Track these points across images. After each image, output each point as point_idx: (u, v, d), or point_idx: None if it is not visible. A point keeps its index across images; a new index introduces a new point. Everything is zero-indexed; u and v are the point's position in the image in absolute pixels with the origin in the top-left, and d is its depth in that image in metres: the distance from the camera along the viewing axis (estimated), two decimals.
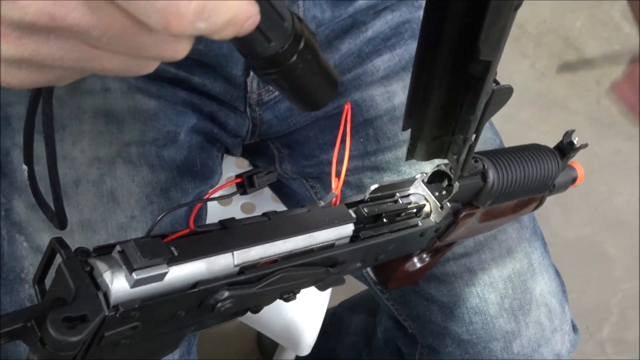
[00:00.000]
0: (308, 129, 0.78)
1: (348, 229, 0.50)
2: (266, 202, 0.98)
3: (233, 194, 0.43)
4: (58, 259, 0.38)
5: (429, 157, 0.55)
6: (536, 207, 0.72)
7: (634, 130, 2.19)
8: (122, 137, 0.66)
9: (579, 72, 2.37)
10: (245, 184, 0.43)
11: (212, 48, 0.68)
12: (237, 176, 0.42)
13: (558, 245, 1.86)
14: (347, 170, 0.75)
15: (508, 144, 0.74)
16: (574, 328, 0.80)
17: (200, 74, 0.71)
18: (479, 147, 0.73)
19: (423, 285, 0.73)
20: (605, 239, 1.91)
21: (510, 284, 0.72)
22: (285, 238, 0.46)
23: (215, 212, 0.86)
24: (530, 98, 2.22)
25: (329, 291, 0.89)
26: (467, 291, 0.72)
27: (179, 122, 0.70)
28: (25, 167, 0.42)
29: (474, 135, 0.50)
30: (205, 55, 0.68)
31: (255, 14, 0.30)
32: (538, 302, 0.73)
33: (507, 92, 0.48)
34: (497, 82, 0.48)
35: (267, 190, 0.99)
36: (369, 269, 0.68)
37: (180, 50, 0.30)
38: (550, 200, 1.96)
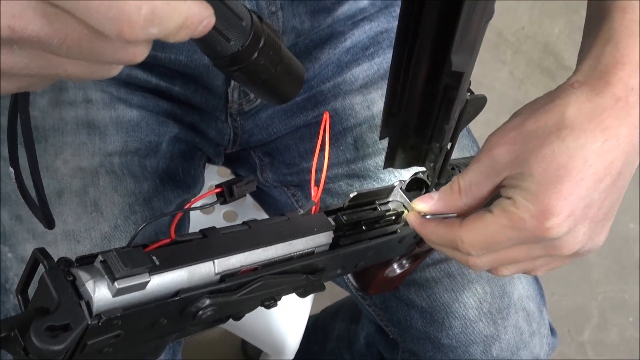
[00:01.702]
0: (288, 137, 0.78)
1: (327, 236, 0.51)
2: (248, 210, 0.98)
3: (213, 203, 0.44)
4: (41, 270, 0.38)
5: (406, 165, 0.56)
6: None
7: None
8: (104, 147, 0.66)
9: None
10: (225, 194, 0.43)
11: (193, 59, 0.68)
12: (217, 186, 0.43)
13: None
14: (327, 178, 0.76)
15: None
16: (552, 331, 0.81)
17: (182, 84, 0.71)
18: (456, 154, 0.74)
19: (403, 290, 0.74)
20: None
21: (488, 289, 0.73)
22: (265, 246, 0.46)
23: (197, 221, 0.87)
24: (509, 104, 2.23)
25: (310, 297, 0.90)
26: (446, 296, 0.72)
27: (161, 132, 0.71)
28: (11, 169, 0.42)
29: (449, 144, 0.51)
30: (186, 66, 0.69)
31: (209, 15, 0.31)
32: (516, 306, 0.74)
33: (481, 101, 0.49)
34: (471, 92, 0.49)
35: (249, 198, 0.99)
36: (349, 276, 0.68)
37: (139, 53, 0.32)
38: None
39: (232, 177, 0.92)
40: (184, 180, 0.73)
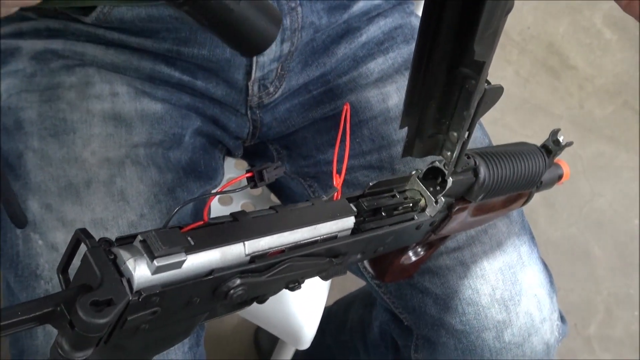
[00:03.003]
0: (306, 130, 0.80)
1: (349, 221, 0.52)
2: (265, 202, 1.00)
3: (244, 187, 0.46)
4: (82, 250, 0.40)
5: (424, 154, 0.58)
6: (524, 203, 0.74)
7: (615, 133, 2.23)
8: (130, 139, 0.68)
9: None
10: (255, 178, 0.45)
11: (215, 53, 0.70)
12: (248, 171, 0.44)
13: (545, 245, 1.89)
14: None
15: None
16: (562, 319, 0.82)
17: (204, 78, 0.73)
18: (470, 146, 0.75)
19: (418, 278, 0.76)
20: (589, 239, 1.94)
21: (500, 276, 0.74)
22: (292, 229, 0.48)
23: (217, 212, 0.88)
24: (514, 103, 2.25)
25: (327, 287, 0.91)
26: (460, 283, 0.74)
27: (184, 125, 0.72)
28: None
29: (466, 133, 0.53)
30: (208, 60, 0.71)
31: None
32: (527, 293, 0.75)
33: (498, 91, 0.50)
34: (488, 82, 0.50)
35: (266, 191, 1.01)
36: (366, 264, 0.70)
37: None
38: (537, 201, 1.99)
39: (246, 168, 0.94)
40: (205, 172, 0.74)
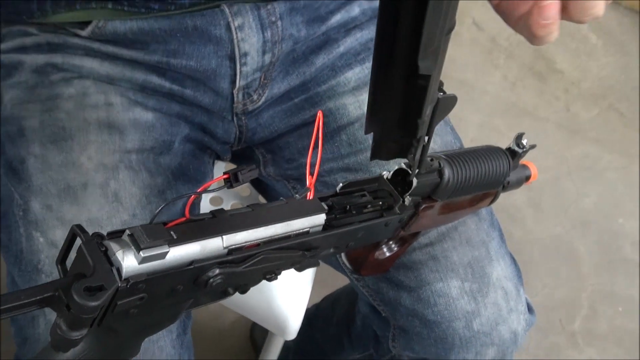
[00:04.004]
0: (288, 135, 0.85)
1: (320, 218, 0.57)
2: (253, 202, 1.05)
3: (221, 187, 0.51)
4: (77, 243, 0.45)
5: (391, 157, 0.62)
6: (491, 202, 0.79)
7: (600, 136, 2.28)
8: (123, 145, 0.73)
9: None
10: (231, 179, 0.50)
11: (202, 64, 0.75)
12: (225, 173, 0.49)
13: (531, 244, 1.94)
14: (324, 171, 0.82)
15: None
16: (530, 309, 0.87)
17: (192, 87, 0.78)
18: (441, 149, 0.80)
19: (393, 272, 0.80)
20: (574, 238, 1.98)
21: (469, 270, 0.79)
22: (266, 225, 0.53)
23: (207, 210, 0.93)
24: (502, 106, 2.30)
25: (310, 281, 0.96)
26: (431, 277, 0.79)
27: (174, 132, 0.77)
28: None
29: (426, 137, 0.58)
30: (195, 70, 0.76)
31: None
32: (495, 285, 0.80)
33: (452, 100, 0.55)
34: (443, 92, 0.55)
35: (253, 191, 1.06)
36: (344, 259, 0.74)
37: None
38: (523, 202, 2.03)
39: None
40: (194, 175, 0.79)
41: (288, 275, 0.89)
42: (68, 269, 0.46)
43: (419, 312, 0.80)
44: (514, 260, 0.85)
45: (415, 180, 0.63)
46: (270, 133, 0.85)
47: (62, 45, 0.76)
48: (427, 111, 0.52)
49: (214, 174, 0.86)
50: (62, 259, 0.46)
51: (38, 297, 0.42)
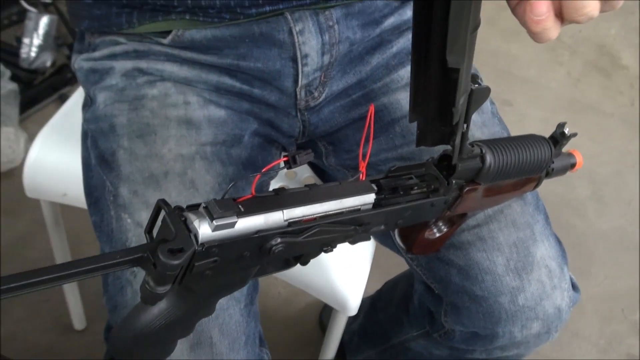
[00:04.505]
0: (347, 128, 0.92)
1: (370, 197, 0.63)
2: None
3: (281, 168, 0.58)
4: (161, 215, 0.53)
5: (435, 143, 0.68)
6: (535, 187, 0.83)
7: None
8: (199, 139, 0.81)
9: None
10: (290, 161, 0.57)
11: (268, 65, 0.82)
12: (284, 155, 0.57)
13: (594, 236, 1.95)
14: (380, 160, 0.89)
15: None
16: (575, 287, 0.91)
17: (260, 87, 0.86)
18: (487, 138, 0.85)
19: (444, 252, 0.86)
20: (637, 230, 1.98)
21: (514, 249, 0.84)
22: (322, 202, 0.60)
23: None
24: (565, 102, 2.31)
25: (369, 260, 1.02)
26: (479, 255, 0.84)
27: (243, 127, 0.85)
28: None
29: (464, 125, 0.64)
30: (262, 71, 0.83)
31: None
32: (539, 264, 0.85)
33: (485, 91, 0.61)
34: (479, 84, 0.61)
35: (318, 182, 1.14)
36: (397, 239, 0.81)
37: None
38: (586, 195, 2.04)
39: (304, 165, 1.07)
40: (262, 165, 0.87)
41: (348, 254, 0.97)
42: (154, 237, 0.54)
43: (467, 288, 0.85)
44: (558, 242, 0.89)
45: (459, 165, 0.68)
46: (330, 127, 0.92)
47: (147, 52, 0.85)
48: (461, 101, 0.58)
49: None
50: (149, 229, 0.54)
51: (131, 257, 0.50)
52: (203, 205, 0.53)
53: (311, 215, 0.59)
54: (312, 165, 1.05)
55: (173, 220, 0.51)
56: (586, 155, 2.20)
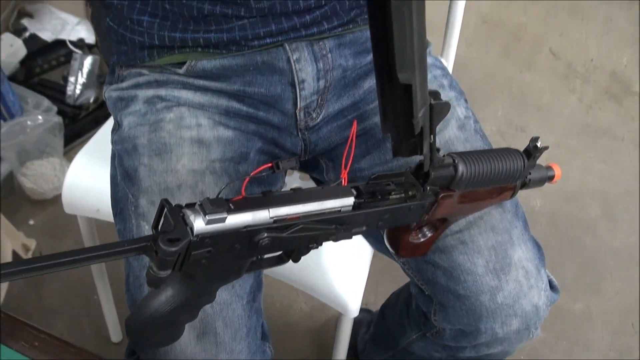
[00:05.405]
0: (343, 146, 0.99)
1: (350, 200, 0.71)
2: None
3: (266, 172, 0.66)
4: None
5: (409, 154, 0.75)
6: (512, 196, 0.89)
7: None
8: (209, 156, 0.90)
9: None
10: (274, 167, 0.65)
11: (270, 90, 0.91)
12: (268, 162, 0.65)
13: (604, 253, 1.98)
14: (372, 173, 0.95)
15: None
16: (553, 288, 0.97)
17: (264, 110, 0.94)
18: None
19: (430, 255, 0.93)
20: None
21: (493, 252, 0.90)
22: (305, 203, 0.67)
23: None
24: (577, 127, 2.35)
25: (367, 264, 1.09)
26: (461, 258, 0.91)
27: (249, 146, 0.94)
28: None
29: (430, 136, 0.71)
30: (266, 96, 0.92)
31: None
32: (516, 265, 0.91)
33: (445, 105, 0.69)
34: (439, 100, 0.69)
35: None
36: (386, 242, 0.88)
37: None
38: (597, 214, 2.08)
39: (310, 180, 1.15)
40: (267, 181, 0.96)
41: (348, 260, 1.04)
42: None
43: (452, 288, 0.92)
44: (537, 246, 0.96)
45: (432, 173, 0.75)
46: (329, 144, 1.00)
47: (166, 81, 0.94)
48: (420, 113, 0.66)
49: (284, 181, 1.02)
50: (155, 224, 0.63)
51: (137, 245, 0.58)
52: (198, 203, 0.61)
53: (295, 214, 0.67)
54: (315, 180, 1.13)
55: (173, 216, 0.60)
56: (597, 177, 2.26)
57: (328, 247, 1.03)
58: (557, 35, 2.72)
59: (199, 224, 0.60)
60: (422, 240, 0.88)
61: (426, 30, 0.59)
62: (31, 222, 1.88)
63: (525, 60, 2.59)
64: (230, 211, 0.62)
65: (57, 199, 1.91)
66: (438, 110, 0.69)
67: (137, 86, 0.96)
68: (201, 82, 0.92)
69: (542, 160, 0.87)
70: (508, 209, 0.94)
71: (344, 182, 0.73)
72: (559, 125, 2.35)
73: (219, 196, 0.63)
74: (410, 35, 0.57)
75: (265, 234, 0.64)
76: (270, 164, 0.65)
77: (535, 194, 1.97)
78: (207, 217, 0.60)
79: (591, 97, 2.47)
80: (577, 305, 1.87)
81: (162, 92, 0.94)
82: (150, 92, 0.94)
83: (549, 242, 1.94)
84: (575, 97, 2.46)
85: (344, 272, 1.05)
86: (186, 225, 0.60)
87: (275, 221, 0.65)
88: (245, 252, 0.65)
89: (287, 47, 0.88)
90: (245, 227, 0.63)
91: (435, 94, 0.69)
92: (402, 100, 0.66)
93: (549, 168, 0.94)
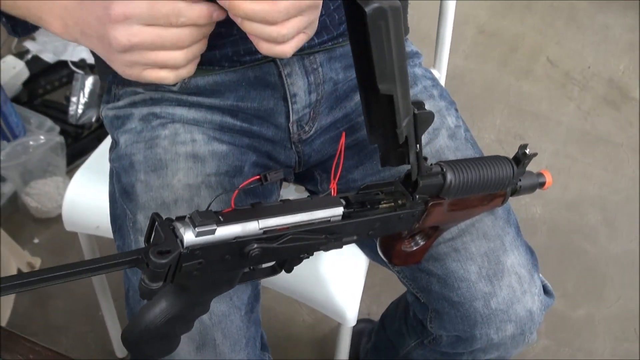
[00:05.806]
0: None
1: (339, 210, 0.72)
2: None
3: (255, 184, 0.67)
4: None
5: (397, 163, 0.76)
6: (503, 202, 0.91)
7: None
8: (204, 170, 0.91)
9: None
10: (262, 179, 0.67)
11: (263, 104, 0.92)
12: (257, 174, 0.66)
13: (606, 260, 1.99)
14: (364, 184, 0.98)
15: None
16: (548, 292, 0.98)
17: (257, 123, 0.95)
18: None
19: (424, 263, 0.94)
20: None
21: (486, 258, 0.91)
22: (294, 214, 0.69)
23: None
24: (576, 135, 2.36)
25: (363, 273, 1.10)
26: (454, 265, 0.92)
27: (243, 159, 0.95)
28: None
29: (416, 146, 0.72)
30: (259, 110, 0.93)
31: None
32: (509, 271, 0.92)
33: (429, 115, 0.70)
34: (422, 109, 0.70)
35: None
36: (379, 251, 0.89)
37: None
38: (598, 221, 2.09)
39: (305, 192, 1.16)
40: (262, 193, 0.97)
41: (344, 268, 1.05)
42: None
43: (446, 295, 0.93)
44: (530, 251, 0.96)
45: (420, 182, 0.76)
46: (322, 156, 1.01)
47: (160, 99, 0.96)
48: (404, 123, 0.67)
49: (281, 193, 1.03)
50: (147, 237, 0.64)
51: (129, 258, 0.60)
52: (188, 216, 0.62)
53: (284, 224, 0.68)
54: (310, 192, 1.14)
55: (163, 228, 0.61)
56: (597, 184, 2.27)
57: (324, 257, 1.06)
58: (553, 44, 2.73)
59: (188, 236, 0.61)
60: (414, 248, 0.89)
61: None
62: (36, 240, 1.90)
63: (523, 70, 2.60)
64: (219, 223, 0.63)
65: (60, 217, 1.91)
66: (422, 119, 0.70)
67: (133, 104, 0.97)
68: (195, 99, 0.94)
69: (542, 167, 0.87)
70: (500, 215, 0.95)
71: (334, 193, 0.74)
72: (558, 132, 2.36)
73: (209, 209, 0.65)
74: (389, 48, 0.58)
75: (255, 245, 0.65)
76: (258, 176, 0.66)
77: (536, 202, 1.99)
78: (197, 229, 0.61)
79: (589, 104, 2.48)
80: (578, 312, 1.87)
81: (157, 109, 0.95)
82: (145, 110, 0.96)
83: (549, 250, 1.95)
84: (573, 105, 2.47)
85: (340, 282, 1.06)
86: (176, 237, 0.61)
87: (264, 232, 0.66)
88: (236, 263, 0.66)
89: (279, 62, 0.90)
90: (235, 238, 0.64)
91: (419, 104, 0.71)
92: (385, 111, 0.67)
93: (539, 174, 0.95)
